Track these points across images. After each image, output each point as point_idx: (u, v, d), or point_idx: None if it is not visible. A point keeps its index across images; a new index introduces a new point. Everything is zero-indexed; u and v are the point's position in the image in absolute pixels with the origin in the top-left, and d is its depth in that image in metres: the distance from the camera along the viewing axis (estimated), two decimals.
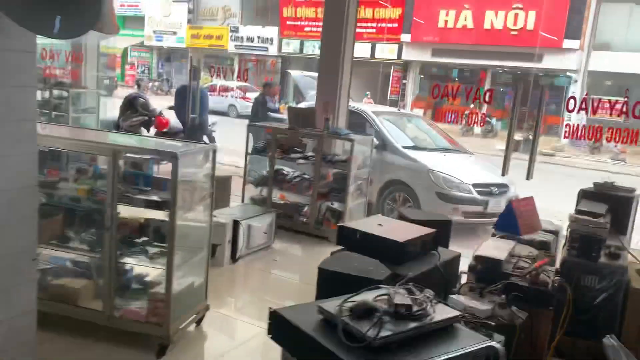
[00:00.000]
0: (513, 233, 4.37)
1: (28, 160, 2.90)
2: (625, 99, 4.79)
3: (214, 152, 3.65)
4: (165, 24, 30.96)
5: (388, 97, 22.92)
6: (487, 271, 3.28)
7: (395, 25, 22.95)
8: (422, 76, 23.26)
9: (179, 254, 3.54)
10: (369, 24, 23.70)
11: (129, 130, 9.25)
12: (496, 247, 3.50)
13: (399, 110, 9.08)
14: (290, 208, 6.41)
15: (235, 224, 5.12)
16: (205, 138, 10.18)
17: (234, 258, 5.14)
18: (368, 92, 19.94)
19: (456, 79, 22.13)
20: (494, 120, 19.17)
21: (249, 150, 6.56)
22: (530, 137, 5.81)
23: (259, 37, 26.90)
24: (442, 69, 23.06)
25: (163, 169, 3.86)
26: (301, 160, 6.20)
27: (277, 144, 6.39)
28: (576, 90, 18.86)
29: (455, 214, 7.12)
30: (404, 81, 23.46)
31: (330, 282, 3.12)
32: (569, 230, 3.66)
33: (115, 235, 3.43)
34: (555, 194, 10.50)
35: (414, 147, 7.76)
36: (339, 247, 3.97)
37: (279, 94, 14.87)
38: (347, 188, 5.85)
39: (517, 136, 12.82)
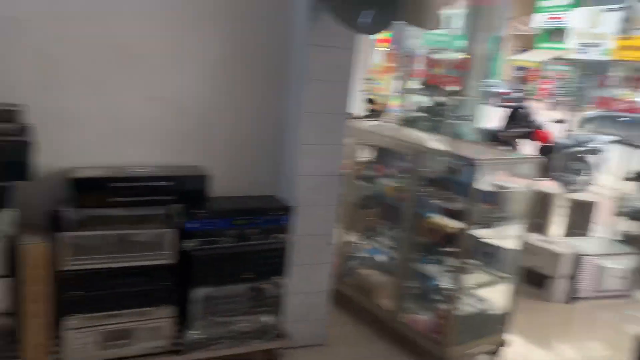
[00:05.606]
0: None
1: (334, 151, 3.08)
2: None
3: (535, 164, 3.09)
4: (590, 35, 28.85)
5: None
6: None
7: None
8: None
9: (477, 275, 3.18)
10: None
11: (505, 141, 8.97)
12: None
13: None
14: None
15: (578, 258, 4.26)
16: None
17: (572, 298, 4.31)
18: None
19: None
20: None
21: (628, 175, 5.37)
22: None
23: None
24: None
25: None
26: None
27: None
28: None
29: None
30: None
31: None
32: None
33: (413, 239, 3.32)
34: None
35: None
36: None
37: None
38: None
39: None
